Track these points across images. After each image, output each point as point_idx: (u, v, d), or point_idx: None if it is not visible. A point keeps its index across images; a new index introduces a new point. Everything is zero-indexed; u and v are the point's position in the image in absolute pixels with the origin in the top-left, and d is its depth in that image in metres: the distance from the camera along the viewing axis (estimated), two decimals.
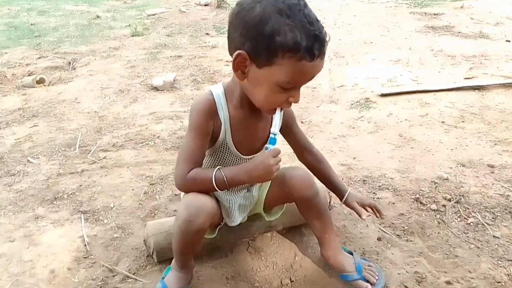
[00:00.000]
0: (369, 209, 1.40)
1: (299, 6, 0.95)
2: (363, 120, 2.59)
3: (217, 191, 1.16)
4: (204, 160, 1.24)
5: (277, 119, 1.12)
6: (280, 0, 0.95)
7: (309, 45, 0.93)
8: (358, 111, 2.74)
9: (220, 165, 1.25)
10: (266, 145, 1.13)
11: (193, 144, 1.16)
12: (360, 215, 1.36)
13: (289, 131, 1.37)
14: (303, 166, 1.44)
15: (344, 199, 1.40)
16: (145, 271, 1.43)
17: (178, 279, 1.30)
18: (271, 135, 1.13)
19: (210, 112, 1.16)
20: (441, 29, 4.78)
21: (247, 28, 0.97)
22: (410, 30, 4.81)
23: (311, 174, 1.37)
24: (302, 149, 1.42)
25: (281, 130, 1.33)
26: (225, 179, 1.13)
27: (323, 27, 0.97)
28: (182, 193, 1.34)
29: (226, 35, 1.07)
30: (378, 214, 1.41)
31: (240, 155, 1.25)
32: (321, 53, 0.97)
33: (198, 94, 3.09)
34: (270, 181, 1.39)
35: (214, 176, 1.13)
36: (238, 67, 1.03)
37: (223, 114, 1.17)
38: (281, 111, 1.11)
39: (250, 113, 1.19)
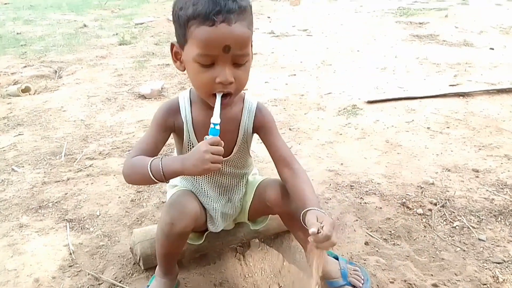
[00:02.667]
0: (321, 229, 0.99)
1: None
2: (350, 127, 2.61)
3: (155, 181, 1.04)
4: None
5: (217, 108, 1.03)
6: None
7: (205, 10, 0.93)
8: (345, 118, 2.76)
9: None
10: (205, 136, 1.03)
11: (146, 135, 1.18)
12: (308, 227, 1.00)
13: (265, 141, 1.24)
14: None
15: (303, 211, 1.09)
16: (132, 278, 1.41)
17: (163, 286, 1.29)
18: (211, 125, 1.02)
19: (170, 110, 1.18)
20: (426, 37, 4.86)
21: (172, 20, 1.04)
22: (396, 38, 4.89)
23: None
24: (279, 163, 1.22)
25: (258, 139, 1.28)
26: (161, 167, 1.03)
27: None
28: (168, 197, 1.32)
29: None
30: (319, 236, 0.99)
31: None
32: (226, 18, 0.93)
33: None
34: (253, 193, 1.32)
35: (150, 163, 1.04)
36: (176, 58, 1.08)
37: (185, 115, 1.17)
38: (222, 98, 1.03)
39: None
